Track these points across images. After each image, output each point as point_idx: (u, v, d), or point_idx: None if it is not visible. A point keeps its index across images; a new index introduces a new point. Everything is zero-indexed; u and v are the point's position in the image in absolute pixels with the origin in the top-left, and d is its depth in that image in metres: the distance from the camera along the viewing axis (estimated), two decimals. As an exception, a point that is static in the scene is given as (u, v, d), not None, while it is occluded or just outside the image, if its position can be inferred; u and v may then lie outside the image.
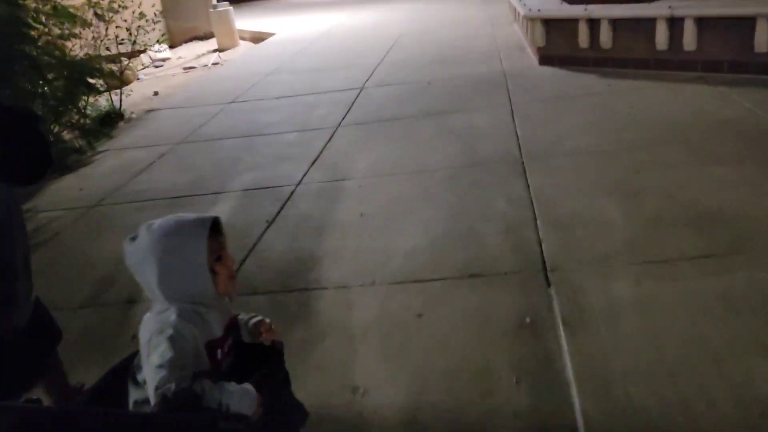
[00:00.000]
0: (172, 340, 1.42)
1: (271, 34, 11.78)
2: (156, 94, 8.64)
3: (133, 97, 8.69)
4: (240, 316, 1.72)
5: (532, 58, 6.61)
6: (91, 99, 6.28)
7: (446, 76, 6.48)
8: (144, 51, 12.25)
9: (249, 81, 7.70)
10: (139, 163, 5.04)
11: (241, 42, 12.60)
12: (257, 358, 1.68)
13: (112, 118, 6.88)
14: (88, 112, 6.28)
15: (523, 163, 3.96)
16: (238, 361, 1.66)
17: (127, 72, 10.11)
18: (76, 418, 1.28)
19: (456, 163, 4.12)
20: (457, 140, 4.53)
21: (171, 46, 15.44)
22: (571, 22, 5.71)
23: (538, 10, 6.02)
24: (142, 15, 7.17)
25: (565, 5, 6.06)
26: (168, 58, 12.06)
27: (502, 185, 3.67)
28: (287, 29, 12.28)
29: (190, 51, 12.80)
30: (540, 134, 4.41)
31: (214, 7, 11.92)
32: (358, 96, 6.19)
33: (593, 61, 5.71)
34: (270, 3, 19.51)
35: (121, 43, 7.02)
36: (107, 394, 1.57)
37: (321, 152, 4.70)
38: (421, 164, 4.19)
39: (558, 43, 5.97)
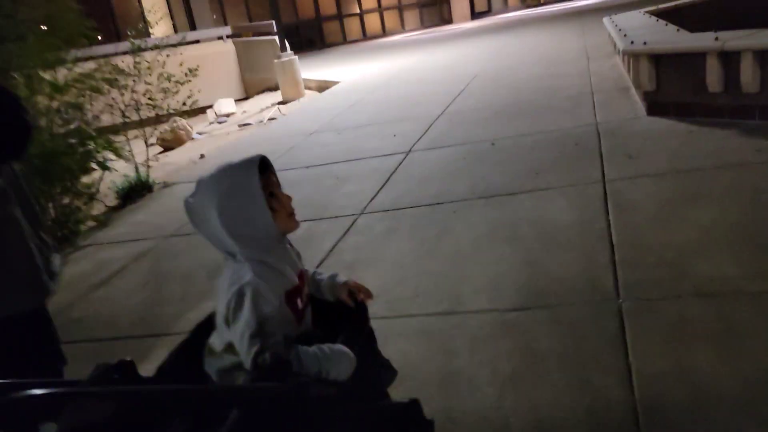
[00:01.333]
0: (255, 303, 1.37)
1: (336, 83, 10.80)
2: (202, 157, 7.77)
3: (178, 160, 7.94)
4: (317, 275, 1.66)
5: (638, 104, 4.91)
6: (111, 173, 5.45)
7: (518, 133, 4.94)
8: (206, 108, 11.86)
9: (289, 143, 6.59)
10: (106, 269, 3.96)
11: (307, 92, 11.76)
12: (339, 315, 1.60)
13: (137, 191, 6.01)
14: (102, 187, 5.43)
15: (621, 310, 2.31)
16: (318, 319, 1.60)
17: (181, 132, 9.54)
18: (160, 396, 1.20)
19: (507, 301, 2.54)
20: (513, 249, 2.97)
21: (246, 98, 15.14)
22: (695, 58, 3.99)
23: (644, 43, 4.34)
24: (168, 76, 6.31)
25: (684, 34, 4.36)
26: (232, 113, 11.44)
27: (578, 365, 2.07)
28: (354, 76, 11.27)
29: (256, 104, 12.15)
30: (651, 244, 2.73)
31: (279, 57, 11.18)
32: (400, 164, 4.81)
33: (730, 111, 3.94)
34: (347, 48, 18.94)
35: (138, 109, 6.17)
36: (193, 356, 1.51)
37: (321, 262, 3.35)
38: (452, 298, 2.67)
39: (675, 86, 4.26)
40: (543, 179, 3.76)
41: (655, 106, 4.42)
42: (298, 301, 1.51)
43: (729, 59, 3.80)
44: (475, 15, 22.94)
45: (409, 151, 5.12)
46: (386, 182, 4.43)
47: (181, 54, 6.90)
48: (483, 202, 3.62)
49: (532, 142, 4.59)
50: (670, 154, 3.71)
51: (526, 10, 22.61)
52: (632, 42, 4.50)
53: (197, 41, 15.78)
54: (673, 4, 8.23)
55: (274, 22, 12.79)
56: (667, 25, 5.59)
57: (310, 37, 20.26)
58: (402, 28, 21.83)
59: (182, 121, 9.44)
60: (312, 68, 14.12)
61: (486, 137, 5.02)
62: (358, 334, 1.57)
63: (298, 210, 1.51)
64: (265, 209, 1.42)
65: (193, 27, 17.93)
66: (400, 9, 21.75)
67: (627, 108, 4.99)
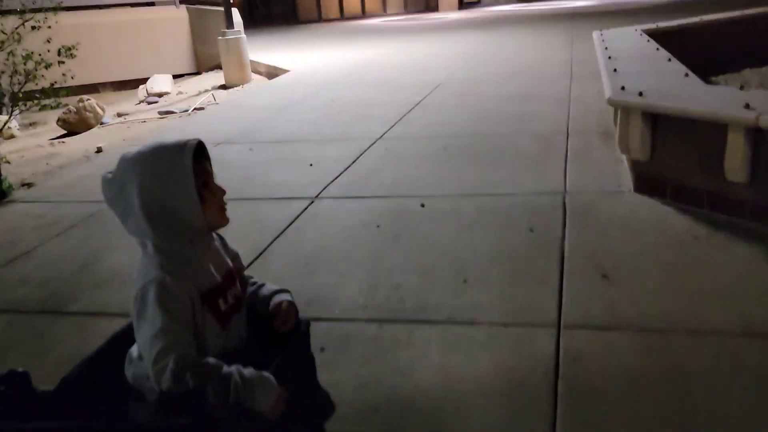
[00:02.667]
0: (160, 303, 1.25)
1: (286, 71, 9.38)
2: (99, 151, 6.33)
3: (71, 151, 6.53)
4: (260, 286, 1.53)
5: (623, 168, 3.67)
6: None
7: (460, 190, 3.67)
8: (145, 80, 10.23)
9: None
10: None
11: (256, 77, 10.31)
12: (278, 337, 1.44)
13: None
14: None
15: None
16: (254, 337, 1.46)
17: (87, 114, 8.05)
18: None
19: None
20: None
21: (197, 73, 13.58)
22: (711, 127, 2.73)
23: (640, 94, 3.06)
24: (27, 56, 4.82)
25: (697, 84, 3.13)
26: (166, 93, 9.94)
27: None
28: (311, 65, 9.84)
29: (198, 84, 10.66)
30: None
31: (223, 34, 9.67)
32: (295, 219, 3.48)
33: (755, 211, 2.70)
34: (321, 28, 17.32)
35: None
36: (105, 366, 1.40)
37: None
38: None
39: (677, 161, 3.01)
40: (468, 298, 2.46)
41: (646, 181, 3.17)
42: (220, 302, 1.37)
43: (763, 139, 2.56)
44: (463, 5, 21.48)
45: (317, 196, 3.81)
46: (262, 252, 3.11)
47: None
48: (365, 343, 2.31)
49: (473, 212, 3.32)
50: (663, 285, 2.43)
51: (517, 6, 21.23)
52: (623, 87, 3.22)
53: (151, 3, 14.13)
54: (676, 24, 7.00)
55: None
56: (670, 60, 4.34)
57: (284, 11, 18.62)
58: (383, 11, 20.29)
59: (91, 101, 7.97)
60: (271, 48, 12.63)
61: (418, 189, 3.73)
62: (293, 362, 1.43)
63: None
64: (194, 197, 1.30)
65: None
66: (382, -11, 20.24)
67: (608, 170, 3.74)
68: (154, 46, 13.01)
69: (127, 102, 10.18)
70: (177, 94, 9.91)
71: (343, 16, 19.34)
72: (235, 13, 11.31)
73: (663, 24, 7.09)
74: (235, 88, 9.49)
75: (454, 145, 4.59)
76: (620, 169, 3.71)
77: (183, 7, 13.44)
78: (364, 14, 19.75)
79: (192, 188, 1.28)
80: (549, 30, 12.54)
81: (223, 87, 9.74)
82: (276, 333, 1.43)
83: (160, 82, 10.31)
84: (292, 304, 1.48)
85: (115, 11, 13.22)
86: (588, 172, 3.72)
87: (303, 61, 10.26)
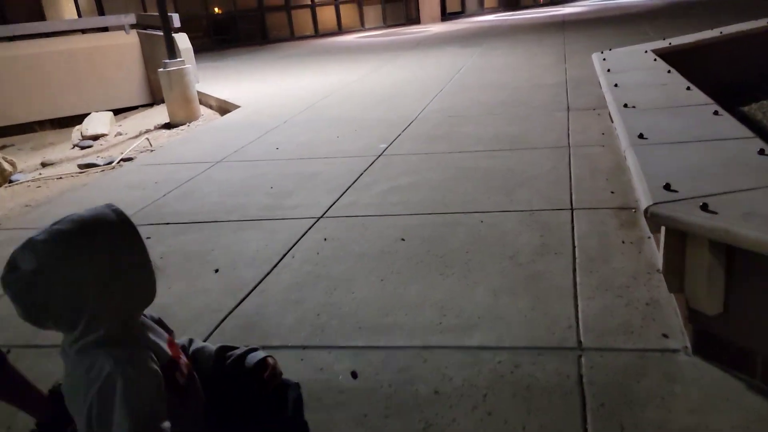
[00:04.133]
0: (127, 399, 1.05)
1: (237, 107, 8.10)
2: (-10, 223, 5.03)
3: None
4: (230, 351, 1.46)
5: (664, 295, 2.38)
6: None
7: (407, 342, 2.39)
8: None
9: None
10: None
11: (207, 111, 9.05)
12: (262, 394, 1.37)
13: None
14: None
15: None
16: (236, 398, 1.36)
17: (-8, 171, 6.74)
18: None
19: None
20: None
21: (152, 104, 12.30)
22: None
23: (704, 208, 1.71)
24: None
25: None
26: (103, 135, 8.67)
27: None
28: (268, 96, 8.56)
29: (140, 122, 9.38)
30: None
31: (164, 65, 8.40)
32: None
33: None
34: (291, 48, 16.00)
35: None
36: None
37: None
38: None
39: None
40: None
41: (713, 344, 1.88)
42: (177, 376, 1.22)
43: None
44: (446, 15, 20.30)
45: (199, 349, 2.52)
46: None
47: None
48: None
49: (430, 394, 2.03)
50: None
51: (502, 15, 20.05)
52: (668, 187, 1.91)
53: (103, 29, 12.85)
54: (692, 40, 5.75)
55: (175, 15, 10.00)
56: (717, 113, 3.05)
57: (250, 31, 17.34)
58: (361, 25, 19.04)
59: (-2, 155, 6.69)
60: (231, 76, 11.38)
61: (351, 335, 2.44)
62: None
63: None
64: (152, 274, 1.19)
65: (101, 12, 14.92)
66: (359, 3, 18.91)
67: (641, 297, 2.44)
68: (102, 76, 11.75)
69: (64, 145, 8.91)
70: (115, 136, 8.63)
71: (317, 33, 18.09)
72: (182, 39, 10.09)
73: (677, 40, 5.86)
74: (180, 128, 8.21)
75: (415, 236, 3.30)
76: (659, 294, 2.43)
77: (134, 32, 12.19)
78: (340, 30, 18.51)
79: (151, 267, 1.17)
80: (538, 44, 11.32)
81: (168, 126, 8.48)
82: (259, 390, 1.36)
83: (97, 122, 9.04)
84: (274, 359, 1.42)
85: (57, 40, 11.96)
86: (612, 305, 2.41)
87: (261, 92, 9.00)
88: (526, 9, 21.80)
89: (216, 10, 17.39)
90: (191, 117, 8.47)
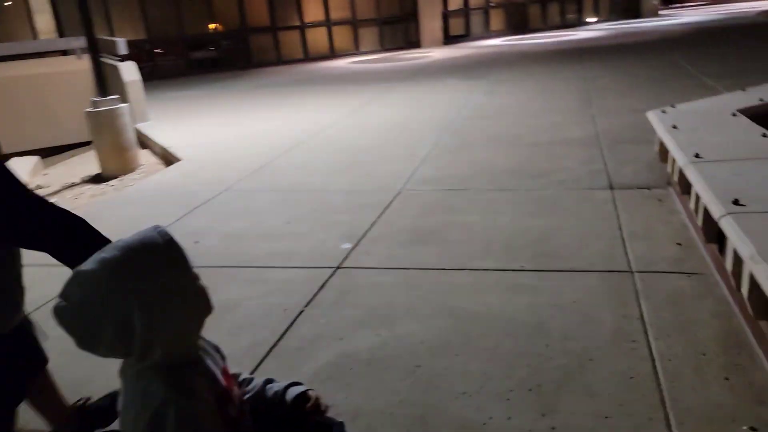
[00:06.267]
0: (177, 430, 1.04)
1: (178, 160, 6.43)
2: None
3: None
4: (267, 384, 1.39)
5: None
6: None
7: None
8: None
9: None
10: None
11: (151, 160, 7.38)
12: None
13: None
14: None
15: None
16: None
17: None
18: None
19: None
20: None
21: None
22: None
23: None
24: None
25: None
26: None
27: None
28: (219, 145, 6.85)
29: (72, 170, 7.71)
30: None
31: (93, 104, 6.73)
32: None
33: None
34: (277, 74, 14.25)
35: None
36: None
37: None
38: None
39: None
40: None
41: None
42: (229, 408, 1.20)
43: None
44: (449, 39, 18.73)
45: None
46: None
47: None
48: None
49: None
50: None
51: (510, 40, 18.50)
52: None
53: (62, 52, 11.25)
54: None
55: (120, 40, 8.39)
56: None
57: (232, 54, 15.71)
58: (356, 49, 17.42)
59: None
60: (189, 111, 9.72)
61: None
62: None
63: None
64: (204, 294, 1.17)
65: (61, 34, 13.36)
66: (354, 25, 17.30)
67: None
68: (48, 108, 10.09)
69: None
70: (35, 189, 6.96)
71: (307, 57, 16.47)
72: (128, 69, 8.46)
73: (756, 91, 4.17)
74: (110, 183, 6.53)
75: None
76: None
77: (86, 57, 10.58)
78: (333, 53, 16.90)
79: (197, 279, 1.16)
80: (554, 77, 9.65)
81: (98, 179, 6.80)
82: (299, 425, 1.33)
83: (18, 169, 7.33)
84: (317, 392, 1.39)
85: (-6, 66, 10.32)
86: None
87: (216, 137, 7.33)
88: (535, 32, 20.26)
89: (212, 29, 15.84)
90: (126, 168, 6.79)
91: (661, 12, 25.02)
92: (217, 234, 4.00)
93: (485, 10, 19.94)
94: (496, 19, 20.28)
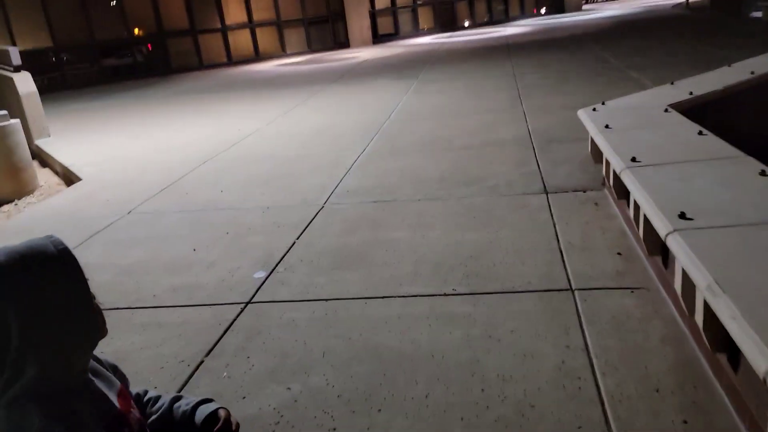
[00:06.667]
0: None
1: (79, 179, 5.79)
2: None
3: None
4: (176, 401, 1.33)
5: None
6: None
7: None
8: None
9: None
10: None
11: (52, 180, 6.66)
12: None
13: None
14: None
15: None
16: None
17: None
18: None
19: None
20: None
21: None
22: None
23: None
24: None
25: None
26: None
27: None
28: (123, 163, 6.23)
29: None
30: None
31: (-23, 121, 5.97)
32: None
33: None
34: (197, 79, 13.50)
35: None
36: None
37: None
38: None
39: None
40: None
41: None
42: None
43: None
44: (378, 38, 18.44)
45: None
46: None
47: None
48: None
49: None
50: None
51: (438, 37, 18.43)
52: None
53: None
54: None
55: (13, 48, 7.60)
56: None
57: (146, 61, 14.82)
58: (282, 51, 16.85)
59: None
60: (96, 124, 8.96)
61: None
62: None
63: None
64: (95, 316, 1.07)
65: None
66: (278, 26, 16.69)
67: None
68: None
69: None
70: None
71: (230, 61, 15.76)
72: (23, 81, 7.68)
73: (692, 86, 4.03)
74: (2, 208, 5.82)
75: None
76: None
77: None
78: (257, 56, 16.26)
79: (92, 306, 1.05)
80: (484, 75, 9.51)
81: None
82: None
83: None
84: (229, 412, 1.31)
85: None
86: None
87: (122, 153, 6.69)
88: (464, 30, 20.29)
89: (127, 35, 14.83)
90: (22, 191, 6.08)
91: (584, 7, 25.70)
92: (112, 268, 3.49)
93: (413, 9, 19.79)
94: (425, 17, 20.18)
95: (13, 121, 6.17)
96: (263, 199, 4.45)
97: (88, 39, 14.15)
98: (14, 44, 13.56)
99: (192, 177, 5.29)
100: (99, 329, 1.09)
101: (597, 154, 3.59)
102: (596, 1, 32.00)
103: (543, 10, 23.57)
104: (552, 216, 3.49)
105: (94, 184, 5.49)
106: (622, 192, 3.02)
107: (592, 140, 3.57)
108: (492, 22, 21.60)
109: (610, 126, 3.08)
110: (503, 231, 3.38)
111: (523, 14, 22.93)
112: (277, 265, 3.27)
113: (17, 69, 7.68)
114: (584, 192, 3.81)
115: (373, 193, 4.33)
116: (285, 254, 3.40)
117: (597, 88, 7.15)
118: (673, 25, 14.81)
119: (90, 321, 1.06)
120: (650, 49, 10.24)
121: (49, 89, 13.79)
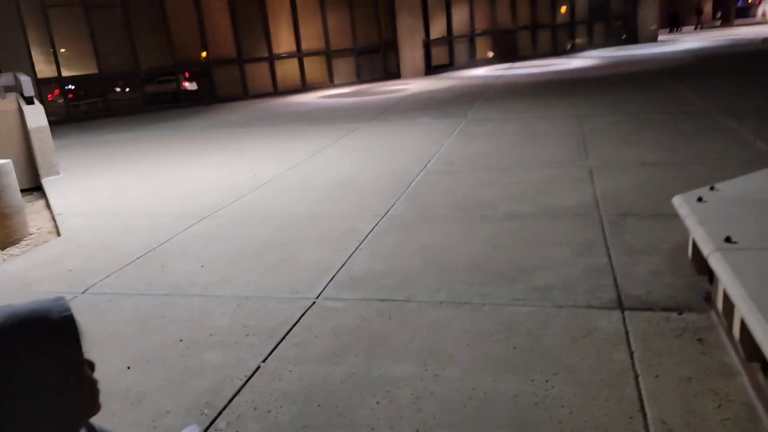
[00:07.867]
0: None
1: (58, 235, 5.03)
2: None
3: None
4: None
5: None
6: None
7: None
8: None
9: None
10: None
11: (47, 225, 5.98)
12: None
13: None
14: None
15: None
16: None
17: None
18: None
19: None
20: None
21: (36, 188, 9.28)
22: None
23: None
24: None
25: None
26: None
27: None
28: (113, 216, 5.43)
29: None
30: None
31: (-40, 162, 5.35)
32: None
33: None
34: (242, 110, 12.90)
35: None
36: None
37: None
38: None
39: None
40: None
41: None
42: None
43: None
44: (431, 69, 17.54)
45: None
46: None
47: None
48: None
49: None
50: None
51: (497, 68, 17.34)
52: None
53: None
54: None
55: (25, 78, 7.09)
56: None
57: (191, 90, 14.43)
58: (330, 81, 16.19)
59: None
60: (114, 160, 8.33)
61: None
62: None
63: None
64: (88, 389, 0.91)
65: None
66: (327, 56, 16.08)
67: None
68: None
69: None
70: None
71: (276, 91, 15.20)
72: (34, 114, 7.13)
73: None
74: (-22, 262, 5.13)
75: None
76: None
77: (12, 96, 9.27)
78: (304, 86, 15.66)
79: (83, 372, 0.89)
80: (544, 116, 8.33)
81: (-32, 255, 5.38)
82: None
83: None
84: None
85: None
86: None
87: (118, 200, 5.92)
88: (524, 60, 19.13)
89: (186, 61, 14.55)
90: (7, 239, 5.39)
91: (660, 38, 24.00)
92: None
93: (470, 39, 18.81)
94: (483, 47, 19.16)
95: (4, 161, 5.52)
96: (246, 282, 3.49)
97: (133, 66, 13.91)
98: (59, 72, 13.48)
99: (178, 240, 4.41)
100: (89, 406, 0.91)
101: (699, 262, 2.42)
102: (675, 32, 30.10)
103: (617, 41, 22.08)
104: (632, 358, 2.33)
105: (69, 243, 4.69)
106: (751, 348, 1.85)
107: (698, 249, 2.41)
108: (556, 53, 20.34)
109: (733, 239, 1.95)
110: (555, 382, 2.25)
111: (592, 45, 21.54)
112: (220, 414, 2.26)
113: (29, 101, 7.15)
114: (679, 314, 2.62)
115: (383, 284, 3.28)
116: (238, 392, 2.39)
117: (683, 139, 5.90)
118: (766, 61, 13.17)
119: (78, 399, 0.89)
120: (741, 89, 8.80)
121: (87, 116, 13.59)
